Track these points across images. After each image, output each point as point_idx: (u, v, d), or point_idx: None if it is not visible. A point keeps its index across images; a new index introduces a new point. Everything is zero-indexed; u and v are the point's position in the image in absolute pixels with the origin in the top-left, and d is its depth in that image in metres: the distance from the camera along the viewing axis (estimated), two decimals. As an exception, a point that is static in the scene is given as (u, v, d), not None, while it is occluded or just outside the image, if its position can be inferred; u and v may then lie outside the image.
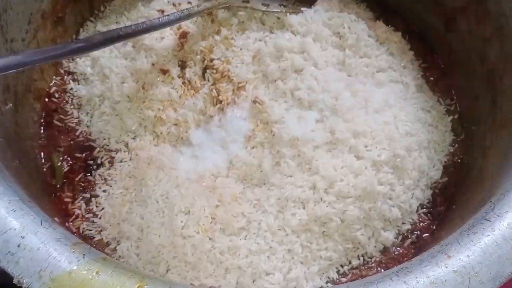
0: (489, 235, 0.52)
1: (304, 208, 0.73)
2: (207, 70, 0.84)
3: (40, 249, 0.47)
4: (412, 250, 0.77)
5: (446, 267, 0.50)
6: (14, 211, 0.49)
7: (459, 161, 0.84)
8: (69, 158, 0.81)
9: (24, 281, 0.46)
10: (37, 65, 0.66)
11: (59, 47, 0.67)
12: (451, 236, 0.54)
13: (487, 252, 0.51)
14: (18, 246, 0.47)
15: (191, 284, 0.67)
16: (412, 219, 0.78)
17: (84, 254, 0.48)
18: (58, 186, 0.78)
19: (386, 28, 0.90)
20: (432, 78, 0.91)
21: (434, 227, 0.79)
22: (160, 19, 0.77)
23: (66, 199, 0.77)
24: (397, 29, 0.92)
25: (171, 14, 0.79)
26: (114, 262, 0.49)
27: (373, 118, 0.78)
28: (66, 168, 0.80)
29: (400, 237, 0.77)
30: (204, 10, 0.82)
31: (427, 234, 0.78)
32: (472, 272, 0.50)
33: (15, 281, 0.46)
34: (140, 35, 0.76)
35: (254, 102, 0.80)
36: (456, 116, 0.87)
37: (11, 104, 0.72)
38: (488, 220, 0.53)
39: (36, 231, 0.48)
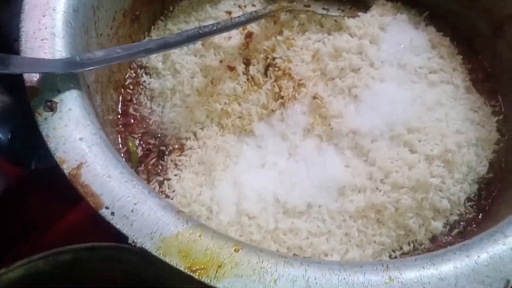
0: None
1: (361, 195, 0.80)
2: (270, 68, 0.91)
3: (150, 214, 0.55)
4: (459, 240, 0.82)
5: (504, 245, 0.56)
6: (126, 182, 0.57)
7: (503, 159, 0.89)
8: (143, 144, 0.89)
9: (138, 241, 0.53)
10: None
11: (146, 43, 0.74)
12: (507, 219, 0.59)
13: (541, 233, 0.57)
14: (132, 211, 0.55)
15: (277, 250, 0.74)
16: (460, 211, 0.83)
17: (187, 220, 0.55)
18: (134, 169, 0.86)
19: (437, 33, 0.96)
20: (478, 81, 0.96)
21: (479, 219, 0.84)
22: (232, 20, 0.84)
23: (142, 181, 0.85)
24: (445, 34, 0.98)
25: (241, 16, 0.86)
26: (211, 229, 0.56)
27: (426, 115, 0.84)
28: (140, 153, 0.88)
29: (448, 227, 0.83)
30: (270, 13, 0.90)
31: (473, 225, 0.83)
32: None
33: (130, 240, 0.53)
34: (215, 34, 0.83)
35: (314, 98, 0.87)
36: (501, 117, 0.92)
37: (100, 93, 0.79)
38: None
39: (146, 199, 0.56)
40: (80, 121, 0.60)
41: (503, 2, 0.90)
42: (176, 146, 0.88)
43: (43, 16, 0.64)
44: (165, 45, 0.75)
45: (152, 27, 0.99)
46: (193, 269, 0.51)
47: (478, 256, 0.55)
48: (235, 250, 0.53)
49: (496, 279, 0.53)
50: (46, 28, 0.63)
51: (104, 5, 0.80)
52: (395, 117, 0.83)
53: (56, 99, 0.60)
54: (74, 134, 0.58)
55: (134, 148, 0.88)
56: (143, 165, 0.87)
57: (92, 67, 0.64)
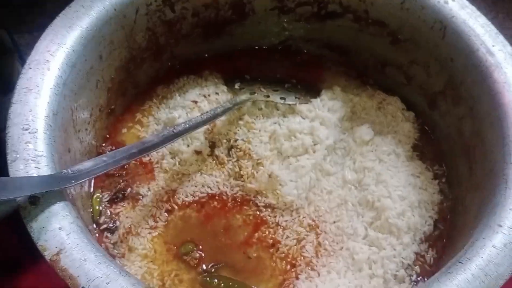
0: (462, 274, 0.67)
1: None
2: (232, 149, 1.02)
3: (121, 292, 0.63)
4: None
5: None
6: (100, 263, 0.65)
7: (448, 217, 0.98)
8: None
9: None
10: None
11: (129, 148, 0.83)
12: (433, 276, 0.69)
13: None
14: (104, 291, 0.63)
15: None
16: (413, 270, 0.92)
17: (154, 296, 0.63)
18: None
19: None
20: (423, 149, 1.07)
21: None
22: (202, 117, 0.95)
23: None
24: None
25: (209, 111, 0.98)
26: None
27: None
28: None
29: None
30: (234, 106, 1.03)
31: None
32: (449, 304, 0.64)
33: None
34: (187, 133, 0.94)
35: (269, 176, 0.97)
36: (443, 180, 1.03)
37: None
38: (461, 263, 0.68)
39: (117, 278, 0.64)
40: (59, 212, 0.69)
41: (432, 80, 1.03)
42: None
43: (26, 121, 0.75)
44: (145, 149, 0.85)
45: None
46: None
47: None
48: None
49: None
50: (29, 133, 0.74)
51: (82, 105, 0.90)
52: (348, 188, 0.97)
53: (38, 194, 0.69)
54: (53, 224, 0.67)
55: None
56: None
57: (81, 180, 0.73)
